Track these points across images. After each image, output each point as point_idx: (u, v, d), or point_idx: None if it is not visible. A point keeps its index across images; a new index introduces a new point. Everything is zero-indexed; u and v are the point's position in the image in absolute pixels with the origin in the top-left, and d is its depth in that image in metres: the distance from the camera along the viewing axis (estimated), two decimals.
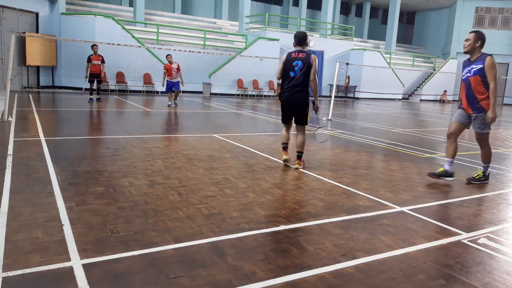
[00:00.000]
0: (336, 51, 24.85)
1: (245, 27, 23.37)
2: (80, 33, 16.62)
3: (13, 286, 2.25)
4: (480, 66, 4.79)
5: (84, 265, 2.50)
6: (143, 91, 18.52)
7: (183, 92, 15.07)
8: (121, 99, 15.11)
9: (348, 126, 10.70)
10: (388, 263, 2.80)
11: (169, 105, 13.23)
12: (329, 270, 2.64)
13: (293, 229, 3.30)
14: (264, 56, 18.09)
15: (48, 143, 6.16)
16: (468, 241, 3.26)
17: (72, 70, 17.21)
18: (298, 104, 5.43)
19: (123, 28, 17.61)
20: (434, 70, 28.88)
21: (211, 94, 19.92)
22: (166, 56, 13.32)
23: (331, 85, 23.79)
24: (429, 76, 28.58)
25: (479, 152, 5.32)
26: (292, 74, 5.32)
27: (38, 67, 17.00)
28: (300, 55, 5.31)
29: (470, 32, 4.95)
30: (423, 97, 27.86)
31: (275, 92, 21.86)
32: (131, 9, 22.37)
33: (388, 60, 26.31)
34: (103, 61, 13.06)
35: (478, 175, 5.20)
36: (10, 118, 8.01)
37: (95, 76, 12.98)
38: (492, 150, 5.35)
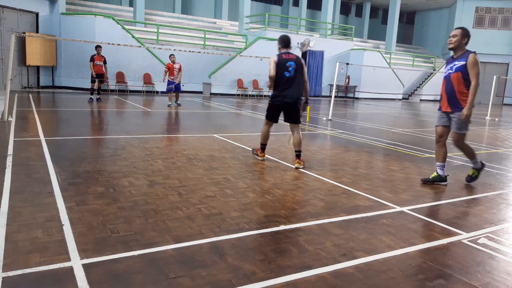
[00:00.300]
0: (336, 51, 24.85)
1: (245, 27, 23.37)
2: (80, 33, 16.63)
3: (13, 286, 2.25)
4: (463, 63, 4.64)
5: (84, 265, 2.50)
6: (143, 91, 18.52)
7: (183, 92, 15.05)
8: (121, 99, 15.11)
9: (348, 126, 10.70)
10: (388, 263, 2.80)
11: (169, 105, 13.25)
12: (329, 270, 2.64)
13: (293, 229, 3.30)
14: (264, 56, 18.02)
15: (48, 143, 6.16)
16: (468, 241, 3.26)
17: (72, 70, 17.21)
18: (294, 104, 5.52)
19: (123, 28, 17.61)
20: (434, 70, 28.88)
21: (211, 94, 19.92)
22: (170, 56, 13.34)
23: (331, 85, 23.80)
24: (429, 76, 28.58)
25: (478, 152, 5.33)
26: (287, 74, 5.45)
27: (38, 67, 17.00)
28: (291, 56, 5.51)
29: (456, 28, 4.76)
30: (423, 97, 27.86)
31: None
32: (131, 9, 22.37)
33: (388, 60, 26.31)
34: (105, 62, 13.14)
35: (474, 173, 5.13)
36: (10, 118, 8.01)
37: (97, 76, 13.03)
38: (492, 150, 5.35)
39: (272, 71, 5.49)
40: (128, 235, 2.99)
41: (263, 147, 5.85)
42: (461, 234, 3.39)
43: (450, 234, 3.39)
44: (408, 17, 35.89)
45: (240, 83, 20.75)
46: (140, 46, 16.88)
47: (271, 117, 5.71)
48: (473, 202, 4.40)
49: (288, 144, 6.57)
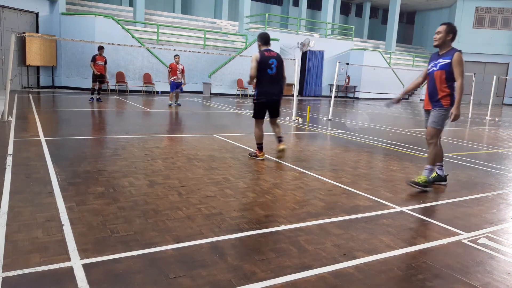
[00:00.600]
0: (336, 51, 24.84)
1: (245, 27, 23.36)
2: (80, 33, 16.62)
3: (13, 286, 2.25)
4: (448, 61, 4.47)
5: (84, 265, 2.50)
6: (143, 91, 18.52)
7: (183, 92, 15.06)
8: (121, 99, 15.10)
9: (348, 126, 10.70)
10: (388, 263, 2.80)
11: (169, 105, 13.26)
12: (329, 270, 2.64)
13: (293, 229, 3.30)
14: None
15: (48, 143, 6.16)
16: (468, 241, 3.26)
17: (72, 70, 17.20)
18: (278, 100, 5.82)
19: (123, 28, 17.61)
20: None
21: (211, 94, 19.92)
22: (174, 56, 13.37)
23: (331, 85, 23.80)
24: None
25: (478, 152, 5.28)
26: (270, 71, 5.65)
27: (38, 67, 16.99)
28: (272, 53, 5.72)
29: (441, 24, 4.59)
30: (423, 97, 27.80)
31: None
32: (131, 9, 22.36)
33: (388, 60, 26.31)
34: (105, 62, 13.17)
35: (422, 179, 4.62)
36: (10, 118, 8.01)
37: (98, 76, 13.04)
38: (492, 150, 5.31)
39: (253, 71, 5.63)
40: (128, 235, 2.99)
41: (260, 146, 5.88)
42: (461, 234, 3.39)
43: (450, 234, 3.39)
44: (408, 17, 35.88)
45: (240, 83, 20.75)
46: (140, 46, 16.88)
47: (260, 115, 5.87)
48: (473, 202, 4.40)
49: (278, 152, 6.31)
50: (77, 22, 17.11)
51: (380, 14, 35.86)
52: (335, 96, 19.25)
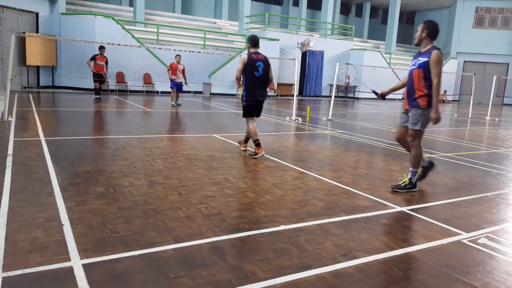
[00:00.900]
0: (336, 51, 24.84)
1: (245, 27, 23.37)
2: (80, 33, 16.62)
3: (13, 286, 2.25)
4: (426, 59, 4.32)
5: (84, 265, 2.50)
6: (143, 91, 18.52)
7: (183, 92, 15.06)
8: (121, 99, 15.10)
9: (348, 126, 10.70)
10: (388, 263, 2.80)
11: (172, 105, 13.28)
12: (329, 270, 2.64)
13: (293, 229, 3.30)
14: None
15: (48, 143, 6.16)
16: (468, 241, 3.26)
17: (72, 70, 17.20)
18: (263, 101, 6.15)
19: (123, 28, 17.61)
20: None
21: (211, 94, 19.92)
22: (176, 56, 13.37)
23: (331, 85, 23.79)
24: None
25: (478, 152, 5.27)
26: (256, 74, 5.90)
27: (38, 67, 16.99)
28: (260, 56, 5.96)
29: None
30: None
31: (275, 92, 21.87)
32: (131, 9, 22.36)
33: (388, 60, 26.31)
34: (107, 63, 13.10)
35: (404, 182, 4.59)
36: (10, 118, 8.01)
37: (99, 76, 12.99)
38: (492, 150, 5.30)
39: (238, 73, 5.91)
40: (128, 235, 2.99)
41: (257, 143, 5.99)
42: (461, 234, 3.39)
43: (450, 234, 3.39)
44: (408, 17, 35.86)
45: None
46: (140, 46, 16.88)
47: (250, 114, 6.14)
48: (473, 202, 4.40)
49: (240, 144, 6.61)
50: (77, 22, 17.11)
51: (380, 14, 35.85)
52: (335, 96, 19.25)
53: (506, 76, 27.31)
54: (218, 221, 3.37)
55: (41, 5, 16.84)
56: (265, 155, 6.00)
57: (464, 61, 29.02)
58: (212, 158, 5.79)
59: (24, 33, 14.29)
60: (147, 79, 18.45)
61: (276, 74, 21.92)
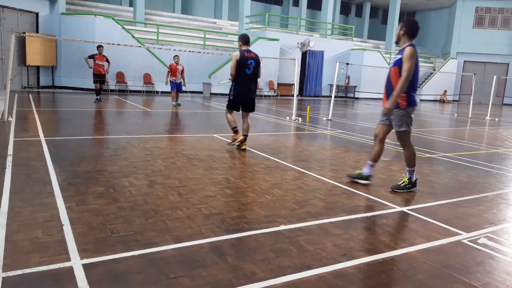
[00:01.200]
0: (336, 51, 24.84)
1: (245, 27, 23.36)
2: (80, 33, 16.62)
3: (13, 286, 2.25)
4: (400, 56, 4.29)
5: (84, 265, 2.50)
6: (143, 91, 18.52)
7: (183, 92, 15.07)
8: (121, 99, 15.11)
9: (348, 126, 10.70)
10: (388, 263, 2.80)
11: (173, 105, 13.28)
12: (329, 270, 2.64)
13: (293, 229, 3.30)
14: (264, 56, 17.98)
15: (48, 143, 6.16)
16: (468, 241, 3.26)
17: (72, 70, 17.19)
18: (253, 97, 6.41)
19: (123, 28, 17.61)
20: (434, 70, 28.88)
21: (211, 94, 19.92)
22: (174, 57, 13.36)
23: (331, 85, 23.80)
24: (429, 76, 28.57)
25: (478, 152, 5.27)
26: (247, 71, 6.18)
27: (38, 67, 16.99)
28: (251, 54, 6.22)
29: None
30: (423, 97, 27.85)
31: (275, 92, 21.87)
32: (131, 9, 22.36)
33: (388, 60, 26.29)
34: (107, 61, 12.93)
35: (404, 182, 4.59)
36: (10, 118, 8.01)
37: (100, 76, 12.92)
38: (492, 150, 5.30)
39: (233, 70, 6.17)
40: (128, 235, 2.99)
41: (235, 130, 6.41)
42: (461, 234, 3.39)
43: (450, 234, 3.39)
44: (408, 17, 35.87)
45: None
46: (140, 46, 16.88)
47: (234, 108, 6.44)
48: (473, 202, 4.40)
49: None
50: (77, 22, 17.11)
51: (380, 14, 35.86)
52: (335, 96, 19.25)
53: (506, 76, 27.30)
54: (218, 221, 3.37)
55: (41, 5, 16.84)
56: (265, 155, 5.99)
57: (464, 61, 29.02)
58: (212, 158, 5.79)
59: (24, 33, 14.29)
60: (147, 79, 18.45)
61: (276, 74, 21.93)
